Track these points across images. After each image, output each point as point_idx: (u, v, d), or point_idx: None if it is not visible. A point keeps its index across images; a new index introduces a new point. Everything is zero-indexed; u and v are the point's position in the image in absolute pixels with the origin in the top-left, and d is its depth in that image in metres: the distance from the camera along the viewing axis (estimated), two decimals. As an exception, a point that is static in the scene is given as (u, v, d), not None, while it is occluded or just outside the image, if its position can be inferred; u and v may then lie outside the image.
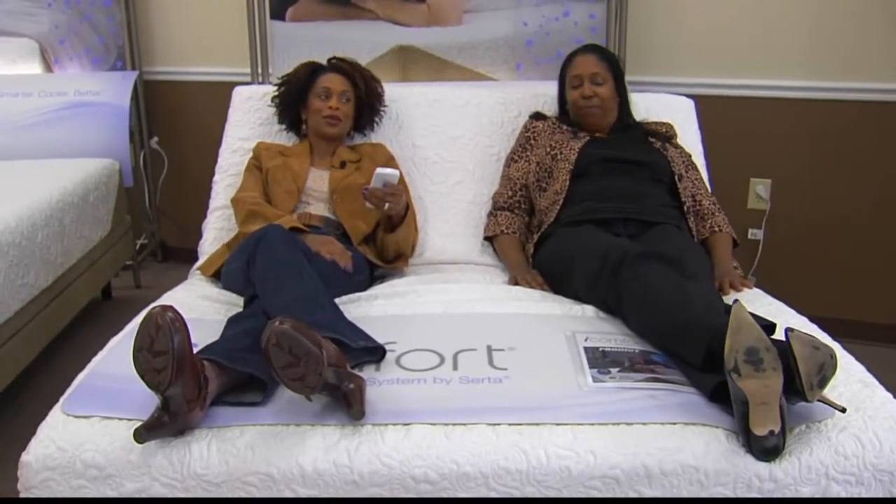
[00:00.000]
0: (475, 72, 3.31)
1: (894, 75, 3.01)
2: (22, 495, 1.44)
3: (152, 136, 3.99)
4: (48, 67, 3.90)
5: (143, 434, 1.38)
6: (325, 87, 2.46)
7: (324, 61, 2.59)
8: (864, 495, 1.40)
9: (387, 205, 2.16)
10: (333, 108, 2.43)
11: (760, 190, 3.31)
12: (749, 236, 3.32)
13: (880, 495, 1.40)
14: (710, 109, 3.18)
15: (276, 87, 2.60)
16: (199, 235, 4.03)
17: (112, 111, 3.69)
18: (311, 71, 2.53)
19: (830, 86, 3.11)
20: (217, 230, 2.49)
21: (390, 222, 2.29)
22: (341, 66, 2.55)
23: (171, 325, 1.36)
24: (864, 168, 3.14)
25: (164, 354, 1.35)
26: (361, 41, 3.34)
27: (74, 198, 3.12)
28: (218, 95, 3.81)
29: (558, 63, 3.20)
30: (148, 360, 1.36)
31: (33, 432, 2.44)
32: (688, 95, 3.13)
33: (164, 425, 1.38)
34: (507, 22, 3.26)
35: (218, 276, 2.25)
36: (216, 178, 2.62)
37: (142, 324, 1.39)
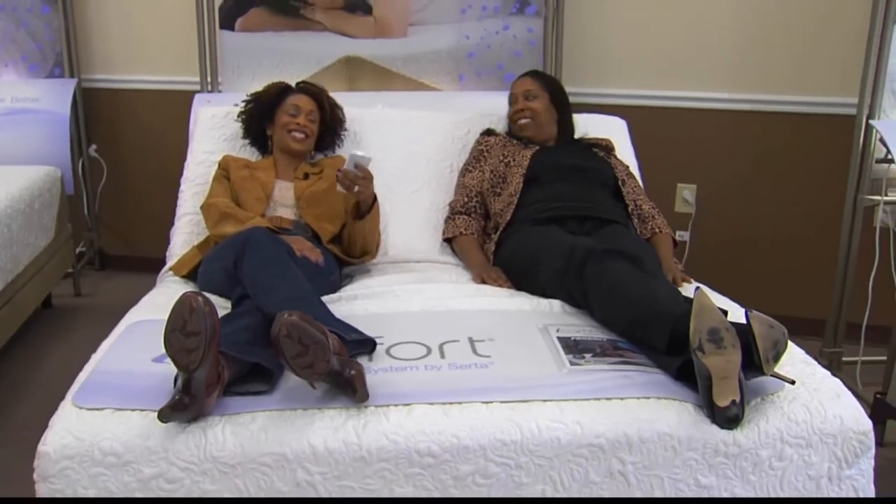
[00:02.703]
0: (419, 82, 3.44)
1: (810, 89, 3.29)
2: (38, 486, 1.48)
3: (90, 143, 3.98)
4: (-18, 74, 3.85)
5: (168, 413, 1.45)
6: (294, 105, 2.58)
7: (292, 83, 2.70)
8: (813, 457, 1.59)
9: (356, 188, 2.28)
10: (301, 124, 2.55)
11: (687, 195, 3.54)
12: (677, 238, 3.54)
13: (826, 456, 1.59)
14: (640, 119, 3.40)
15: (244, 103, 2.69)
16: (139, 243, 4.04)
17: (52, 118, 3.69)
18: (281, 90, 2.64)
19: (751, 98, 3.37)
20: (186, 234, 2.55)
21: (358, 211, 2.40)
22: (310, 88, 2.67)
23: (204, 308, 1.45)
24: (781, 174, 3.41)
25: (197, 335, 1.43)
26: (310, 52, 3.43)
27: (21, 204, 3.11)
28: (161, 103, 3.86)
29: (499, 74, 3.40)
30: (180, 340, 1.44)
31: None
32: (619, 106, 3.35)
33: (185, 407, 1.46)
34: (451, 35, 3.41)
35: (189, 277, 2.32)
36: (182, 187, 2.69)
37: (174, 307, 1.46)
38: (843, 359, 3.06)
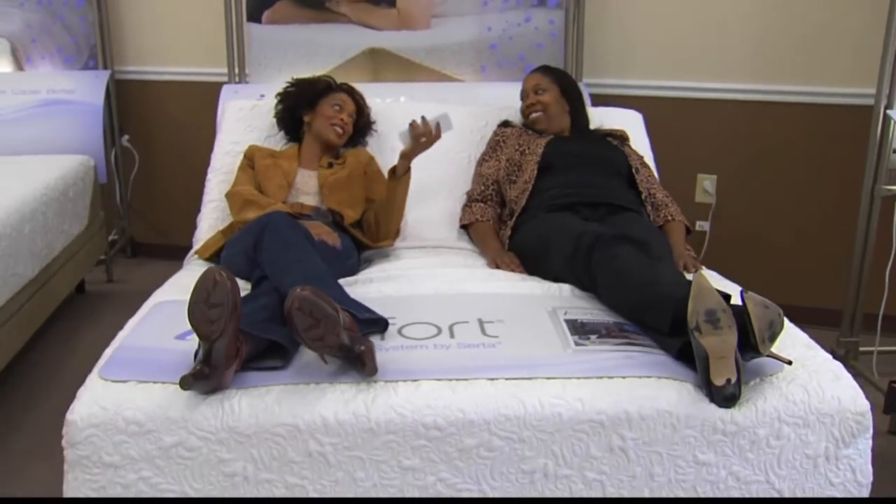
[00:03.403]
0: (442, 73, 3.51)
1: (828, 80, 3.30)
2: (66, 452, 1.57)
3: (123, 133, 4.09)
4: (19, 66, 3.96)
5: (189, 381, 1.53)
6: (341, 100, 2.70)
7: (329, 80, 2.81)
8: (810, 436, 1.63)
9: (423, 139, 2.42)
10: (344, 121, 2.66)
11: (707, 185, 3.57)
12: (697, 228, 3.58)
13: (823, 436, 1.63)
14: (661, 110, 3.44)
15: (287, 84, 2.79)
16: (169, 231, 4.15)
17: (86, 109, 3.79)
18: (328, 85, 2.76)
19: (771, 88, 3.39)
20: (212, 220, 2.65)
21: (394, 174, 2.51)
22: (354, 93, 2.79)
23: (227, 282, 1.53)
24: (801, 165, 3.42)
25: (220, 307, 1.51)
26: (334, 44, 3.50)
27: (56, 192, 3.22)
28: (190, 95, 3.95)
29: (520, 65, 3.44)
30: (203, 311, 1.52)
31: (24, 422, 2.56)
32: (640, 97, 3.38)
33: (205, 377, 1.54)
34: (473, 27, 3.47)
35: (212, 259, 2.40)
36: (209, 175, 2.80)
37: (199, 281, 1.55)
38: (860, 349, 3.07)
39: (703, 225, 3.58)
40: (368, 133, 2.85)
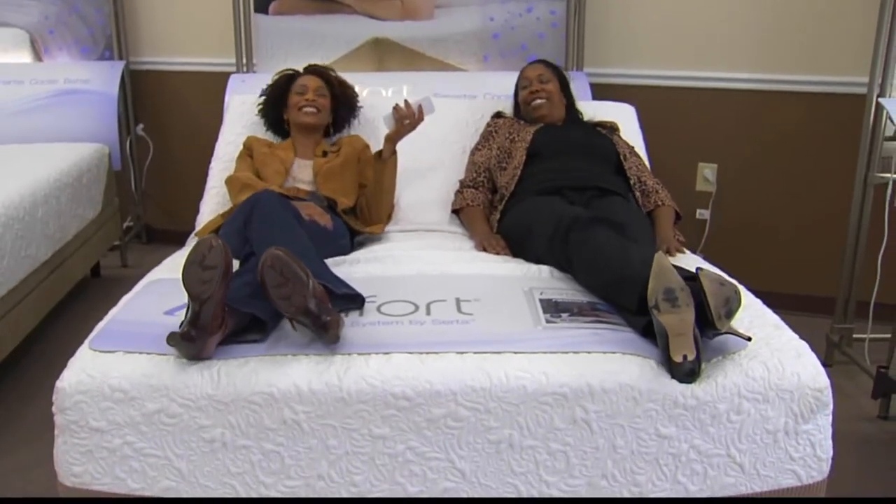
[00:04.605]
0: (445, 63, 3.57)
1: (828, 69, 3.32)
2: (56, 417, 1.66)
3: (138, 122, 4.19)
4: (38, 57, 4.08)
5: (177, 339, 1.62)
6: (302, 85, 2.77)
7: (300, 69, 2.89)
8: (770, 411, 1.67)
9: (406, 121, 2.53)
10: (310, 99, 2.73)
11: (707, 174, 3.60)
12: (697, 216, 3.61)
13: (783, 411, 1.68)
14: (660, 99, 3.47)
15: (259, 97, 2.89)
16: (183, 218, 4.25)
17: (101, 99, 3.90)
18: (288, 77, 2.84)
19: (770, 78, 3.41)
20: (214, 205, 2.76)
21: (380, 158, 2.61)
22: (315, 68, 2.86)
23: (221, 248, 1.62)
24: (799, 153, 3.44)
25: (213, 269, 1.60)
26: (339, 34, 3.58)
27: (70, 178, 3.33)
28: (203, 84, 4.05)
29: (523, 55, 3.49)
30: (197, 273, 1.61)
31: (37, 396, 2.67)
32: (641, 87, 3.41)
33: (192, 339, 1.62)
34: (476, 17, 3.53)
35: (211, 239, 2.50)
36: (212, 164, 2.92)
37: (195, 246, 1.64)
38: (854, 336, 3.09)
39: (703, 213, 3.61)
40: (354, 106, 2.90)
